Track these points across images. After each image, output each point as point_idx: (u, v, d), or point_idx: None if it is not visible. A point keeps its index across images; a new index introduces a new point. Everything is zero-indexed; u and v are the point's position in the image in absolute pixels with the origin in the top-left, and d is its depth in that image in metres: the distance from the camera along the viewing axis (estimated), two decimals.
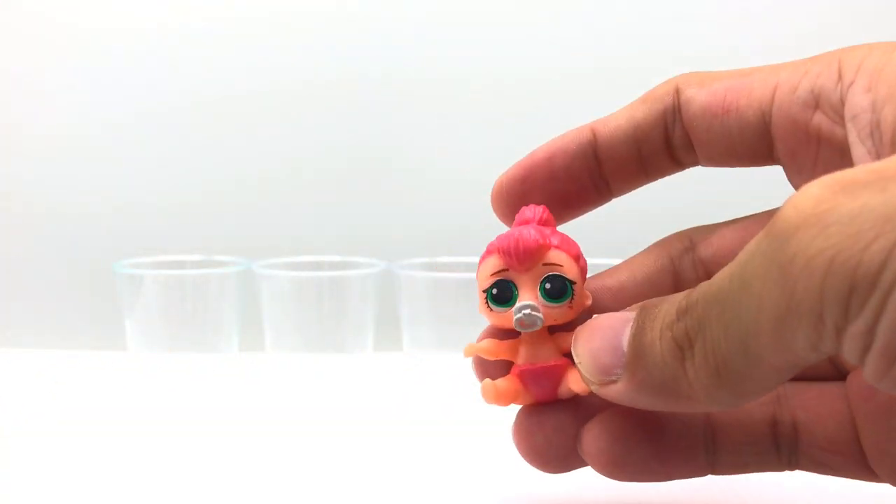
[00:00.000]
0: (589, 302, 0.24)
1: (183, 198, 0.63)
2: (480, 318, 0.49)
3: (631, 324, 0.20)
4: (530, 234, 0.23)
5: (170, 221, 0.63)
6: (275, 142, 0.63)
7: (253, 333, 0.51)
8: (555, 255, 0.24)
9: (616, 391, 0.21)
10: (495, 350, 0.25)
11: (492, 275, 0.24)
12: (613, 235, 0.62)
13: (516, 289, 0.24)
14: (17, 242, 0.63)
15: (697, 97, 0.24)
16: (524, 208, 0.25)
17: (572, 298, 0.23)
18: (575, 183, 0.25)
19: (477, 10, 0.62)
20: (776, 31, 0.60)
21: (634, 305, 0.21)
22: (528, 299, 0.23)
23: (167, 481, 0.36)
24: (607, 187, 0.26)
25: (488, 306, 0.24)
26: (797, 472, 0.25)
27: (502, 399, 0.24)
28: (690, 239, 0.26)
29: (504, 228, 0.25)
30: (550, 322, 0.23)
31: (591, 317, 0.22)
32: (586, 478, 0.36)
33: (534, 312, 0.23)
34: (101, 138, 0.63)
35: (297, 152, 0.63)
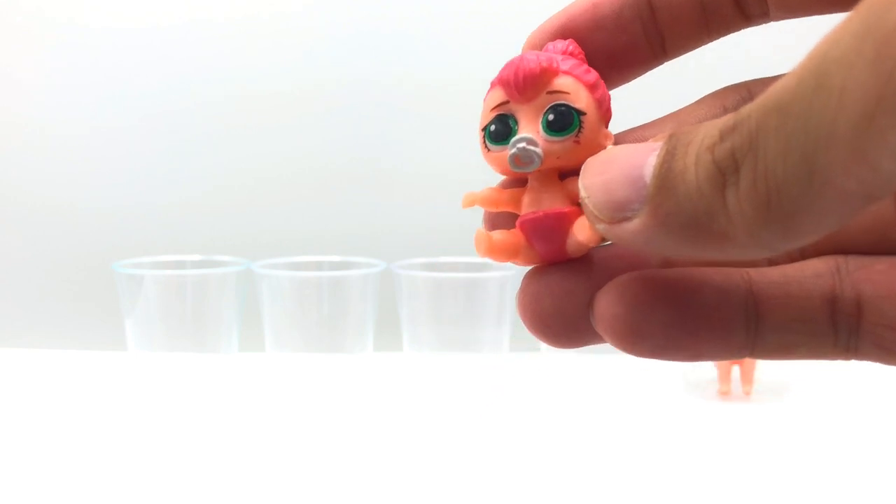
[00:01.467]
0: (609, 143, 0.20)
1: (183, 198, 0.63)
2: (480, 318, 0.50)
3: (657, 151, 0.16)
4: (533, 57, 0.20)
5: (170, 221, 0.63)
6: (275, 143, 0.63)
7: (253, 333, 0.51)
8: (563, 82, 0.20)
9: (632, 230, 0.17)
10: (496, 198, 0.22)
11: (492, 109, 0.21)
12: None
13: (516, 123, 0.20)
14: (18, 243, 0.63)
15: None
16: (548, 43, 0.21)
17: (580, 131, 0.19)
18: (624, 34, 0.21)
19: (478, 11, 0.62)
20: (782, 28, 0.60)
21: (663, 133, 0.17)
22: (527, 132, 0.20)
23: (167, 481, 0.36)
24: (662, 44, 0.22)
25: (486, 146, 0.21)
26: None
27: (497, 253, 0.21)
28: (749, 90, 0.22)
29: None
30: (552, 160, 0.20)
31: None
32: (585, 479, 0.36)
33: (530, 146, 0.19)
34: (102, 139, 0.63)
35: (298, 153, 0.63)
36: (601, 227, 0.18)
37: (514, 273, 0.51)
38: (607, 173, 0.17)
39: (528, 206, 0.20)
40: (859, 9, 0.13)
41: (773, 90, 0.15)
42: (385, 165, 0.63)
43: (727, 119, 0.15)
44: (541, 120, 0.20)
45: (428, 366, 0.51)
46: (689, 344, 0.19)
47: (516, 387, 0.52)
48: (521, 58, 0.20)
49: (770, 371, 0.51)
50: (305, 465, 0.38)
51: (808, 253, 0.21)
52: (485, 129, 0.21)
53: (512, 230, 0.21)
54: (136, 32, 0.62)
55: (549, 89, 0.20)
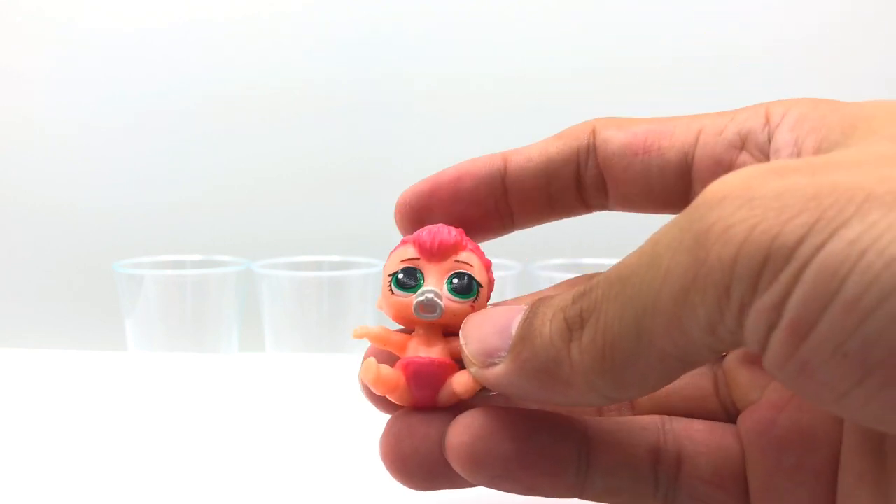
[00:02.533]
0: None
1: (183, 198, 0.63)
2: None
3: (524, 311, 0.20)
4: (450, 230, 0.23)
5: (170, 221, 0.63)
6: (275, 143, 0.63)
7: (253, 333, 0.51)
8: (468, 257, 0.23)
9: (496, 374, 0.20)
10: (385, 337, 0.24)
11: (402, 261, 0.24)
12: (611, 235, 0.62)
13: (423, 277, 0.23)
14: (18, 243, 0.63)
15: (616, 137, 0.24)
16: (443, 226, 0.24)
17: (476, 299, 0.23)
18: (479, 208, 0.25)
19: (479, 11, 0.62)
20: (774, 33, 0.60)
21: (532, 300, 0.20)
22: (433, 286, 0.23)
23: (167, 481, 0.36)
24: (511, 218, 0.26)
25: (391, 290, 0.24)
26: None
27: (380, 385, 0.22)
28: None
29: None
30: (449, 316, 0.22)
31: None
32: None
33: (436, 299, 0.22)
34: (101, 139, 0.63)
35: (298, 153, 0.63)
36: (474, 370, 0.21)
37: (514, 273, 0.51)
38: (484, 326, 0.21)
39: (413, 351, 0.23)
40: (686, 209, 0.16)
41: (618, 265, 0.18)
42: (385, 166, 0.63)
43: (580, 287, 0.19)
44: (446, 281, 0.23)
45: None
46: (523, 477, 0.21)
47: None
48: (438, 227, 0.24)
49: None
50: (305, 465, 0.38)
51: (640, 412, 0.24)
52: (392, 275, 0.24)
53: (395, 370, 0.23)
54: (135, 32, 0.62)
55: (457, 258, 0.23)
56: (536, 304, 0.20)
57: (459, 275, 0.23)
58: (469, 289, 0.23)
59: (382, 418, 0.40)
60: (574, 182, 0.25)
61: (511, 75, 0.62)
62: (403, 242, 0.24)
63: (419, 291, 0.23)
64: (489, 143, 0.63)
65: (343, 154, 0.63)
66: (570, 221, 0.62)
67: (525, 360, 0.19)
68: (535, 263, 0.52)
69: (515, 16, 0.62)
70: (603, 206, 0.25)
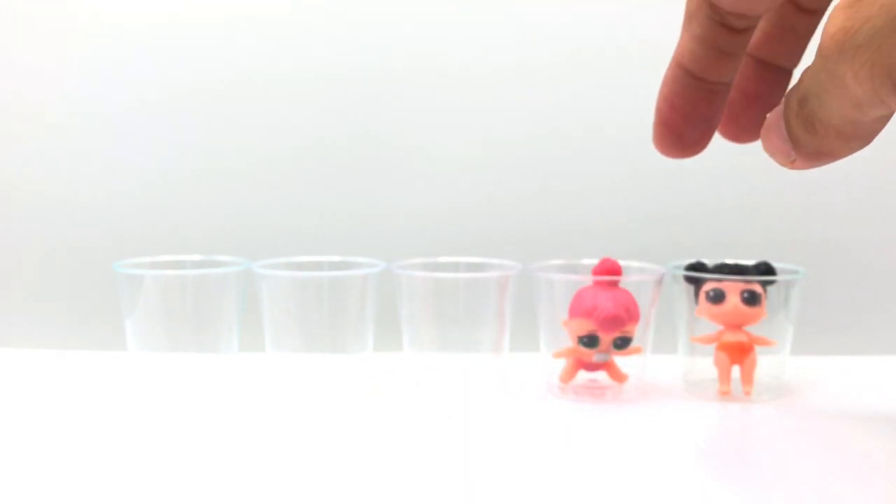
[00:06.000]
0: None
1: (183, 198, 0.63)
2: (480, 318, 0.50)
3: (782, 120, 0.28)
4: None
5: (170, 221, 0.63)
6: (276, 143, 0.63)
7: (253, 333, 0.51)
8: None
9: (800, 166, 0.28)
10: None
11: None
12: (611, 235, 0.62)
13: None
14: (18, 243, 0.63)
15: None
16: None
17: None
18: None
19: (480, 9, 0.62)
20: None
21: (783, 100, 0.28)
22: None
23: (167, 481, 0.36)
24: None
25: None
26: None
27: None
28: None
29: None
30: None
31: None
32: (585, 479, 0.36)
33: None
34: (102, 139, 0.63)
35: (298, 153, 0.63)
36: (789, 167, 0.29)
37: (514, 273, 0.51)
38: (771, 141, 0.29)
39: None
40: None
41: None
42: (386, 166, 0.63)
43: (798, 90, 0.27)
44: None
45: (428, 366, 0.51)
46: None
47: (516, 387, 0.52)
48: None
49: (770, 371, 0.51)
50: (305, 465, 0.38)
51: None
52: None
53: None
54: (132, 32, 0.62)
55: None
56: (785, 110, 0.28)
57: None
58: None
59: (382, 419, 0.40)
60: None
61: (513, 76, 0.62)
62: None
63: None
64: (491, 144, 0.63)
65: (343, 154, 0.63)
66: (569, 222, 0.63)
67: (808, 154, 0.28)
68: (535, 263, 0.52)
69: (516, 5, 0.62)
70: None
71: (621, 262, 0.51)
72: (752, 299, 0.48)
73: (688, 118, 0.34)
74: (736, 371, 0.50)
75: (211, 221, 0.63)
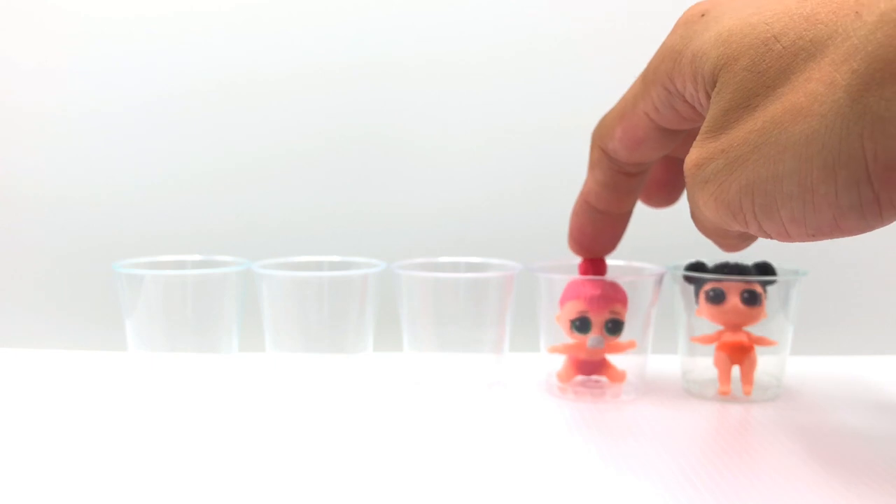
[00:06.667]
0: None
1: (183, 197, 0.63)
2: (480, 318, 0.50)
3: None
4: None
5: (170, 221, 0.63)
6: (276, 143, 0.63)
7: (253, 333, 0.51)
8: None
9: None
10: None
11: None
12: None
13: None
14: (17, 243, 0.63)
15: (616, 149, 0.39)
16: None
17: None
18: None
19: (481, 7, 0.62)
20: None
21: None
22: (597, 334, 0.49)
23: (167, 481, 0.36)
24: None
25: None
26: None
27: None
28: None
29: None
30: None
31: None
32: (585, 478, 0.36)
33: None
34: (102, 139, 0.63)
35: (299, 153, 0.63)
36: None
37: (514, 273, 0.51)
38: None
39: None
40: None
41: None
42: (386, 166, 0.63)
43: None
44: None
45: (428, 366, 0.51)
46: None
47: (516, 387, 0.52)
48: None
49: (770, 371, 0.51)
50: (305, 465, 0.38)
51: None
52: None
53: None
54: (134, 30, 0.62)
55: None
56: None
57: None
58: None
59: (382, 419, 0.40)
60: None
61: (515, 75, 0.62)
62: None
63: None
64: (492, 144, 0.63)
65: (344, 154, 0.63)
66: (569, 222, 0.62)
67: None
68: (535, 263, 0.52)
69: (519, 5, 0.62)
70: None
71: (621, 262, 0.52)
72: (752, 299, 0.48)
73: (596, 239, 0.43)
74: (736, 371, 0.50)
75: (211, 221, 0.63)
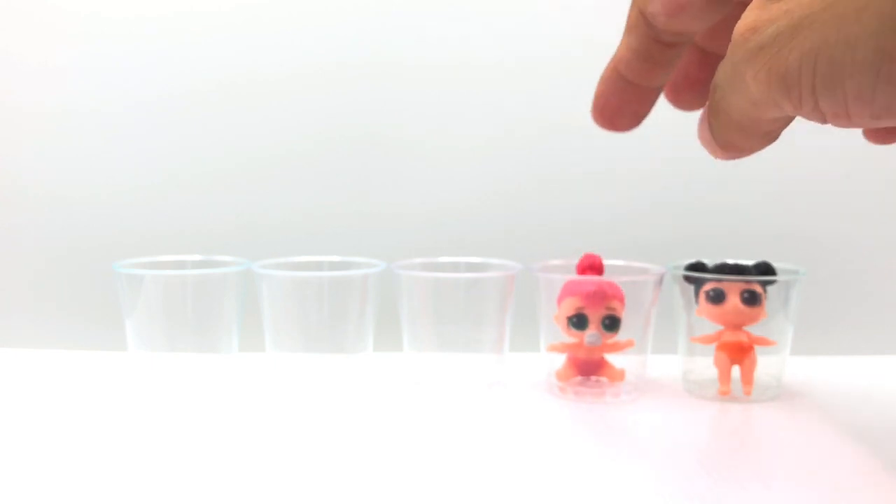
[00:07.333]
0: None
1: (183, 197, 0.63)
2: (480, 318, 0.50)
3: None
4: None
5: (170, 221, 0.63)
6: (276, 143, 0.63)
7: (253, 333, 0.51)
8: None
9: (719, 156, 0.30)
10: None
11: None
12: (611, 235, 0.62)
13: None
14: (17, 242, 0.63)
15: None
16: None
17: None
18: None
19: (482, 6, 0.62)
20: None
21: None
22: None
23: (167, 481, 0.36)
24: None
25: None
26: None
27: None
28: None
29: None
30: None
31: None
32: (585, 478, 0.36)
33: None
34: (102, 139, 0.63)
35: (298, 152, 0.63)
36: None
37: (514, 273, 0.51)
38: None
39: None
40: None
41: None
42: (386, 165, 0.63)
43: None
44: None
45: (428, 366, 0.51)
46: None
47: (516, 387, 0.52)
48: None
49: (770, 371, 0.51)
50: (305, 464, 0.38)
51: None
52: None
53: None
54: (134, 30, 0.62)
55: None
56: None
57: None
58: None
59: (382, 419, 0.40)
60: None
61: (517, 74, 0.62)
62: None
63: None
64: (493, 144, 0.63)
65: (344, 155, 0.63)
66: (569, 221, 0.62)
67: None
68: (535, 263, 0.52)
69: (519, 3, 0.62)
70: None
71: (621, 262, 0.52)
72: (752, 299, 0.48)
73: (619, 111, 0.39)
74: (736, 371, 0.50)
75: (211, 221, 0.63)
